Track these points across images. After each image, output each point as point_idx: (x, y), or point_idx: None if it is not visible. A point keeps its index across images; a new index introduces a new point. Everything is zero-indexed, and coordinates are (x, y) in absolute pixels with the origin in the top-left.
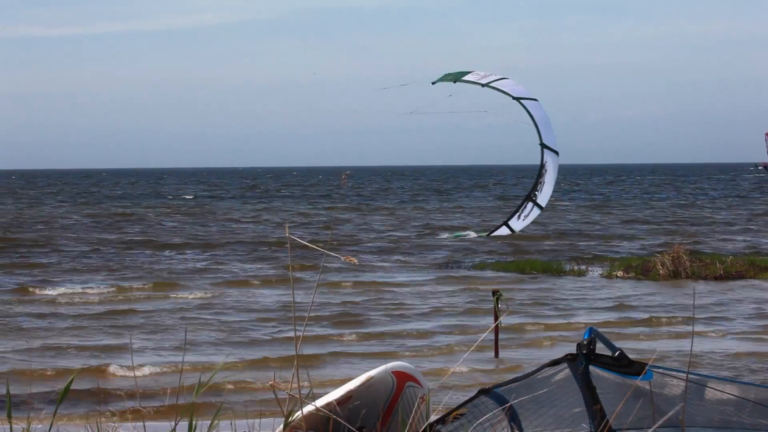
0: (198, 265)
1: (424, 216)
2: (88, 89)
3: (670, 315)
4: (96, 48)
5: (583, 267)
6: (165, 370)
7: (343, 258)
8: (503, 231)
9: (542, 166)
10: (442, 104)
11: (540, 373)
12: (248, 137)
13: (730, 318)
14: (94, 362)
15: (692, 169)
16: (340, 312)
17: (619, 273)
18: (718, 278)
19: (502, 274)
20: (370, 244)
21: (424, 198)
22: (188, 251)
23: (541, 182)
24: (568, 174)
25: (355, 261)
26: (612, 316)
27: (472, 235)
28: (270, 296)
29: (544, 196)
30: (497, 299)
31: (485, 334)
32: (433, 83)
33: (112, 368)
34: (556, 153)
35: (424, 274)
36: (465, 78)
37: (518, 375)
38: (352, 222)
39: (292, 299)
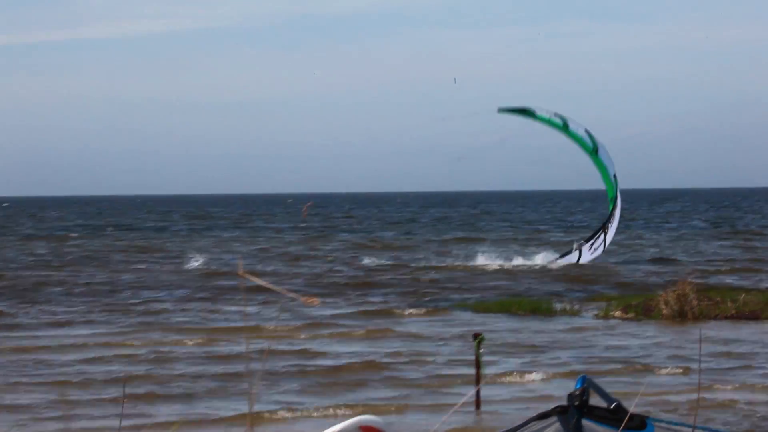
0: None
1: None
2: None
3: (674, 361)
4: (32, 59)
5: (576, 306)
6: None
7: (302, 300)
8: (570, 259)
9: (614, 200)
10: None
11: (527, 427)
12: (205, 159)
13: (740, 366)
14: None
15: (725, 195)
16: (302, 359)
17: (617, 313)
18: (729, 318)
19: (483, 315)
20: (324, 282)
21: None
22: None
23: (612, 217)
24: (583, 201)
25: (317, 302)
26: (608, 362)
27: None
28: (224, 345)
29: (610, 234)
30: (478, 343)
31: (466, 398)
32: (499, 111)
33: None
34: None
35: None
36: (539, 114)
37: (503, 431)
38: (315, 255)
39: (245, 349)
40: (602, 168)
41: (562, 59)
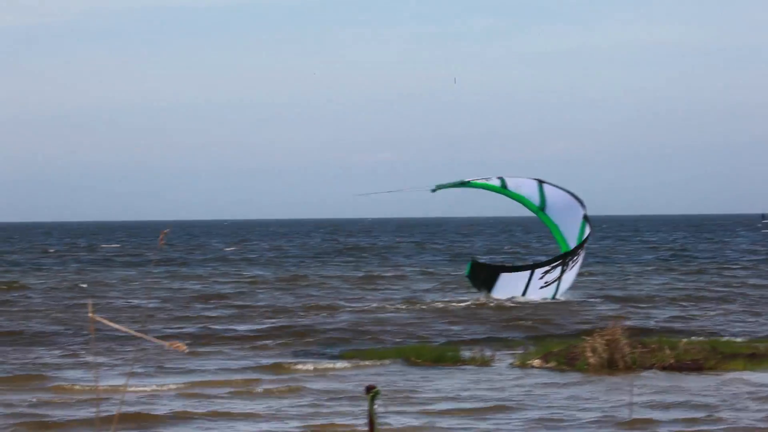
0: None
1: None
2: None
3: (598, 422)
4: None
5: (488, 354)
6: None
7: (167, 345)
8: (511, 291)
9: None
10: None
11: None
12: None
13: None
14: None
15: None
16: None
17: (536, 362)
18: (667, 369)
19: (377, 365)
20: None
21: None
22: None
23: (577, 255)
24: (511, 228)
25: (184, 348)
26: (517, 425)
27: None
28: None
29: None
30: (372, 398)
31: None
32: (433, 191)
33: None
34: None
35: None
36: (472, 179)
37: None
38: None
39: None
40: (551, 225)
41: (471, 62)
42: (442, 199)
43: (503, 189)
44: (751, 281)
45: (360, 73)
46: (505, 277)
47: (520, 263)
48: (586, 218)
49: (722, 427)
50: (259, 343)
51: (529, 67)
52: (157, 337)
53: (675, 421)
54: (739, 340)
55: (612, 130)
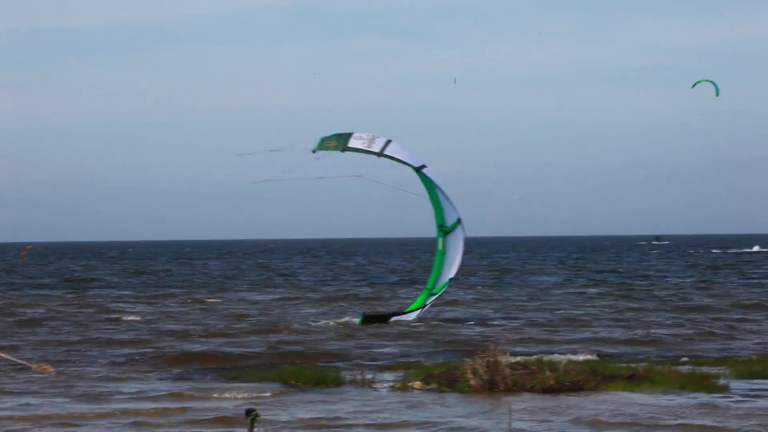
0: None
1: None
2: None
3: None
4: None
5: (369, 376)
6: None
7: (34, 367)
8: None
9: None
10: (308, 167)
11: None
12: None
13: None
14: None
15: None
16: None
17: (416, 384)
18: (547, 390)
19: (257, 386)
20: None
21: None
22: None
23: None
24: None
25: (52, 370)
26: None
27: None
28: None
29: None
30: (252, 422)
31: None
32: (314, 151)
33: None
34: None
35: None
36: (351, 145)
37: None
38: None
39: None
40: (429, 187)
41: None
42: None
43: (382, 153)
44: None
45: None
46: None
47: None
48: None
49: None
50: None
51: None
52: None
53: None
54: (620, 363)
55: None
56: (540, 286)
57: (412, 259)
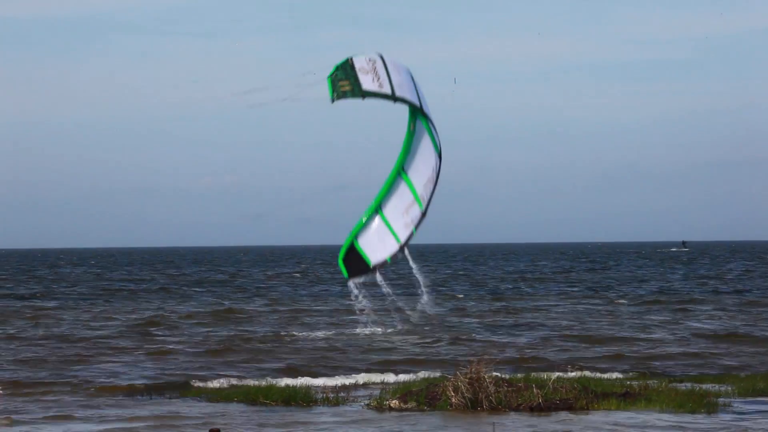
0: None
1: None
2: None
3: None
4: None
5: (342, 395)
6: None
7: None
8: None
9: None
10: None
11: None
12: None
13: None
14: None
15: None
16: None
17: (394, 402)
18: (535, 409)
19: (221, 405)
20: None
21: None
22: None
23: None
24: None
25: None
26: None
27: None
28: None
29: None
30: None
31: None
32: (333, 101)
33: None
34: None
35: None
36: (363, 84)
37: None
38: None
39: None
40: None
41: None
42: None
43: (396, 98)
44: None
45: None
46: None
47: None
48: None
49: None
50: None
51: None
52: None
53: None
54: (613, 376)
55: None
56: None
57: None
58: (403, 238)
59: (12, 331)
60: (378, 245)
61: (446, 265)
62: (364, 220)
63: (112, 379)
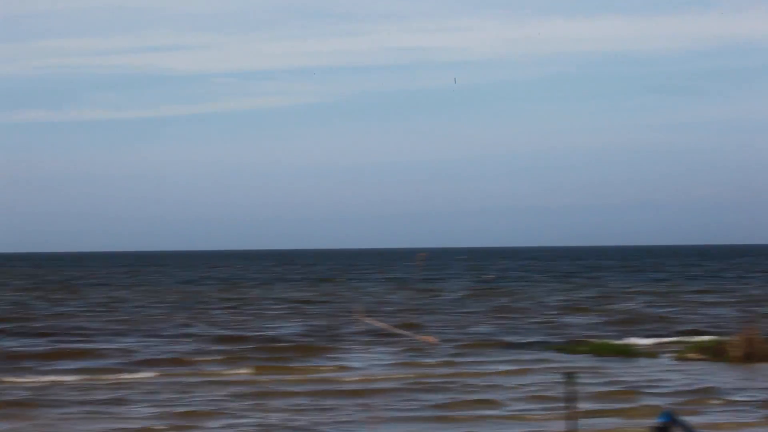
0: None
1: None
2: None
3: (754, 398)
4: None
5: (655, 350)
6: None
7: (418, 338)
8: None
9: None
10: None
11: None
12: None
13: None
14: None
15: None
16: None
17: (692, 354)
18: None
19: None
20: None
21: None
22: None
23: None
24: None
25: (435, 341)
26: (688, 400)
27: None
28: None
29: None
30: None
31: None
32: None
33: None
34: None
35: None
36: None
37: None
38: None
39: None
40: None
41: None
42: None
43: None
44: None
45: None
46: None
47: None
48: None
49: None
50: None
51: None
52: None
53: None
54: None
55: None
56: None
57: None
58: None
59: None
60: None
61: None
62: None
63: None
